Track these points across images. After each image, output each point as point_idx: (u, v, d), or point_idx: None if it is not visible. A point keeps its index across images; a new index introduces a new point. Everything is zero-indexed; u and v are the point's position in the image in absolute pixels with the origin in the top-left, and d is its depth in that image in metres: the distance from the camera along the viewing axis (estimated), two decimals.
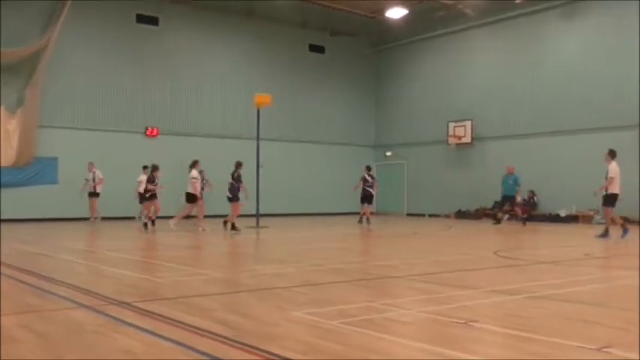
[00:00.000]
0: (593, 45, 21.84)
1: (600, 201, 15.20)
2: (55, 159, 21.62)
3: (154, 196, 17.42)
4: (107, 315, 5.38)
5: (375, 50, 29.75)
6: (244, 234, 15.80)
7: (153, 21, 24.03)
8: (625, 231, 14.51)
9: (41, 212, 20.71)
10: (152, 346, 4.37)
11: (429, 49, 27.48)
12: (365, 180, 20.10)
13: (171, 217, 17.11)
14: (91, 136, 22.33)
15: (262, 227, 18.05)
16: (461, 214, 25.13)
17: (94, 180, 20.05)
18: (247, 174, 17.40)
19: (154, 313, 5.41)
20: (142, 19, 23.77)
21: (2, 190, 20.20)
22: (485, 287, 7.09)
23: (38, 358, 4.05)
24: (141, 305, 5.79)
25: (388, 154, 28.99)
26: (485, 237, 16.45)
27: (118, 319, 5.19)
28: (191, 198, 16.87)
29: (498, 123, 24.49)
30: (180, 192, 17.38)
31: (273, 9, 25.89)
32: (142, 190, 18.58)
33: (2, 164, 20.43)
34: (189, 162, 17.20)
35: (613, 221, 14.84)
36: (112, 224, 19.58)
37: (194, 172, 16.88)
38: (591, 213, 20.68)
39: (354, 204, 21.44)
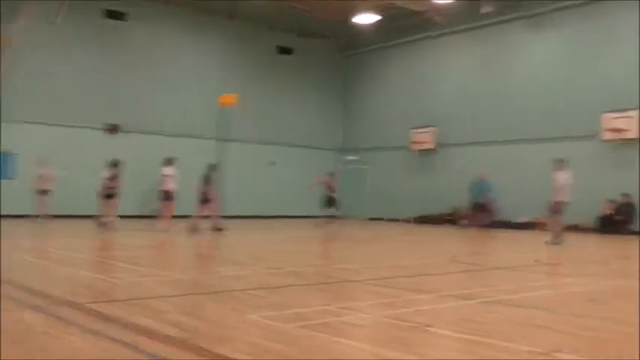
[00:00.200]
0: (557, 56, 22.36)
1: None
2: (15, 154, 21.05)
3: (114, 194, 17.10)
4: (58, 317, 5.24)
5: (344, 55, 29.87)
6: (204, 235, 15.64)
7: (121, 16, 23.76)
8: (556, 240, 14.48)
9: None
10: (101, 347, 4.28)
11: (398, 56, 27.70)
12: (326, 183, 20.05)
13: (134, 217, 16.80)
14: (49, 132, 21.83)
15: (223, 229, 17.88)
16: (421, 219, 25.34)
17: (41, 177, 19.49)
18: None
19: (106, 315, 5.30)
20: (110, 14, 23.51)
21: None
22: (442, 292, 7.16)
23: None
24: (93, 306, 5.68)
25: (350, 158, 29.11)
26: (445, 242, 16.65)
27: (68, 321, 5.06)
28: (166, 195, 16.58)
29: (463, 130, 24.81)
30: (142, 190, 17.10)
31: (242, 8, 25.73)
32: (110, 186, 18.12)
33: None
34: (152, 160, 16.92)
35: (554, 227, 14.91)
36: (71, 223, 19.15)
37: (168, 170, 16.58)
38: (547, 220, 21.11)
39: (317, 207, 21.36)
